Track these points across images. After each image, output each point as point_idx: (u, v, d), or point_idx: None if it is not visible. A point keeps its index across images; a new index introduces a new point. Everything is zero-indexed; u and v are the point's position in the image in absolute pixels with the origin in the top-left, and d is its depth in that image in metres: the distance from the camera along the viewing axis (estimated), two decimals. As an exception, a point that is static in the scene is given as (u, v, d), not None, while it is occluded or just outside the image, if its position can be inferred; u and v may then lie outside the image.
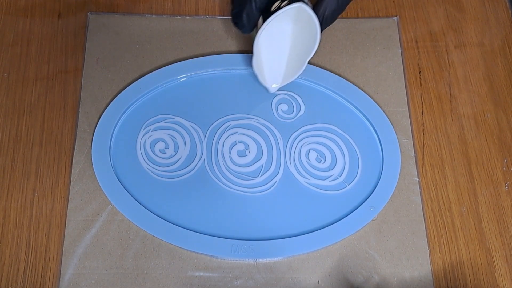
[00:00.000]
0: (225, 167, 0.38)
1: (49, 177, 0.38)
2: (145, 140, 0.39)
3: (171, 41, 0.42)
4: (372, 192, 0.37)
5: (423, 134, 0.40)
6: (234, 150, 0.39)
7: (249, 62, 0.40)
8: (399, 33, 0.43)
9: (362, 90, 0.41)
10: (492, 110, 0.41)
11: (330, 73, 0.41)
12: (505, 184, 0.39)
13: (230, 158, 0.39)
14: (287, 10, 0.34)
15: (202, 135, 0.39)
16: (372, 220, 0.37)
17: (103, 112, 0.39)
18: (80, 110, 0.39)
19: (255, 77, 0.39)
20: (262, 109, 0.40)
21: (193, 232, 0.36)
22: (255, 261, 0.36)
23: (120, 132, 0.39)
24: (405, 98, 0.41)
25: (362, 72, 0.42)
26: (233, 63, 0.41)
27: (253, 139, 0.39)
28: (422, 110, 0.41)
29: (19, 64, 0.41)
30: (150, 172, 0.38)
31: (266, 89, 0.40)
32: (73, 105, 0.40)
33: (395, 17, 0.44)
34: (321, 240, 0.36)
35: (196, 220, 0.36)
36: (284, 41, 0.38)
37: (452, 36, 0.44)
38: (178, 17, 0.43)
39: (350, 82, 0.41)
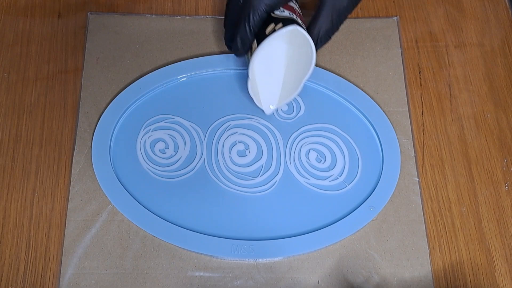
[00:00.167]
0: (225, 167, 0.38)
1: (49, 177, 0.37)
2: (145, 140, 0.39)
3: (171, 41, 0.42)
4: (372, 192, 0.37)
5: (423, 134, 0.40)
6: (234, 150, 0.39)
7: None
8: (399, 33, 0.43)
9: (362, 90, 0.41)
10: (492, 110, 0.41)
11: (330, 73, 0.41)
12: (505, 184, 0.39)
13: (230, 158, 0.39)
14: (282, 33, 0.33)
15: (202, 135, 0.39)
16: (372, 220, 0.37)
17: (103, 112, 0.39)
18: (80, 110, 0.39)
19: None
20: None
21: (193, 232, 0.36)
22: (255, 261, 0.36)
23: (120, 132, 0.39)
24: (405, 98, 0.41)
25: (362, 72, 0.42)
26: (233, 63, 0.41)
27: (253, 139, 0.39)
28: (422, 110, 0.41)
29: (19, 64, 0.41)
30: (150, 172, 0.38)
31: (262, 111, 0.39)
32: (73, 105, 0.40)
33: (395, 17, 0.44)
34: (321, 240, 0.36)
35: (196, 220, 0.36)
36: (279, 63, 0.37)
37: (452, 36, 0.44)
38: (178, 17, 0.43)
39: (350, 82, 0.41)
